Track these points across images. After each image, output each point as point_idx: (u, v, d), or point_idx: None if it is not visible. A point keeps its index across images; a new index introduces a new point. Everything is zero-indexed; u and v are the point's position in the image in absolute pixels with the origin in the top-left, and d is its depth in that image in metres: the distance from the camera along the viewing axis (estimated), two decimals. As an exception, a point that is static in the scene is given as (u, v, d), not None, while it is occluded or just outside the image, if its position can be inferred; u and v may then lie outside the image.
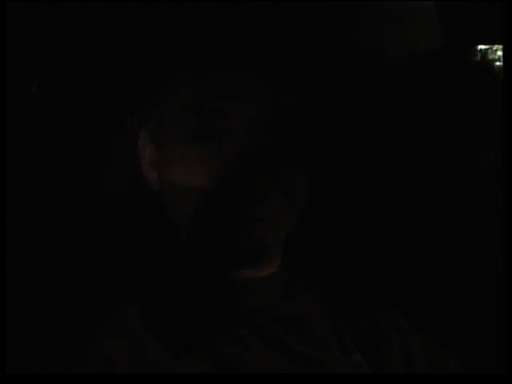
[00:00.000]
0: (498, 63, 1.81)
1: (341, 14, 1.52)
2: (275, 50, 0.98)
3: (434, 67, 1.71)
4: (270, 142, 0.93)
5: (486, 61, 1.84)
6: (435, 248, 1.45)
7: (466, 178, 1.51)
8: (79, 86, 1.29)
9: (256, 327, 0.95)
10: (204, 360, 0.90)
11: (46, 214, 1.31)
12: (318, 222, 1.13)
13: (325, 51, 1.22)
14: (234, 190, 0.91)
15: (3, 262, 0.97)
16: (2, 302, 0.89)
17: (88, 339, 0.87)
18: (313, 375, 0.95)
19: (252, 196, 0.92)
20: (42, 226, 1.29)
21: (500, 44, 1.79)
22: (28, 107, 1.29)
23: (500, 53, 1.81)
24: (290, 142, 0.95)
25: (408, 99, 1.60)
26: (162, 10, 1.20)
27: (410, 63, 1.69)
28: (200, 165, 0.92)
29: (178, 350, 0.89)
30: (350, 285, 1.11)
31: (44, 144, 1.31)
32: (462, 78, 1.59)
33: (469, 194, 1.50)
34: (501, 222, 1.41)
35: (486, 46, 1.85)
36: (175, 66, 0.98)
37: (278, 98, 0.94)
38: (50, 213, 1.32)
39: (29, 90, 1.27)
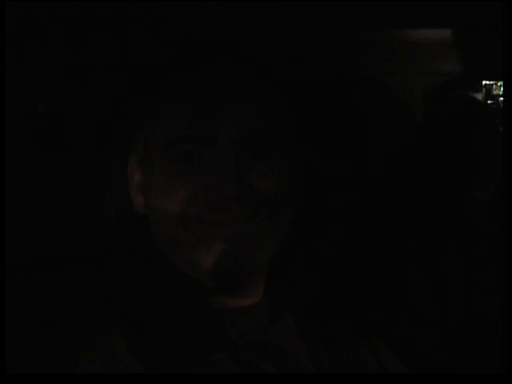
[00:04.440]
0: (502, 98, 1.79)
1: (340, 41, 1.51)
2: (262, 76, 0.99)
3: (437, 102, 1.70)
4: (255, 166, 0.93)
5: (490, 96, 1.83)
6: (425, 274, 1.43)
7: (461, 208, 1.50)
8: (82, 106, 1.29)
9: (235, 353, 0.94)
10: None
11: (37, 233, 1.31)
12: (303, 250, 1.11)
13: (318, 78, 1.21)
14: (215, 216, 0.92)
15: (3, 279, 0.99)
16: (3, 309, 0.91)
17: (69, 357, 0.87)
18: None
19: (233, 222, 0.92)
20: (32, 246, 1.29)
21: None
22: (33, 126, 1.29)
23: (504, 88, 1.80)
24: (274, 164, 0.95)
25: (408, 130, 1.59)
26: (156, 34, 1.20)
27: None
28: (184, 191, 0.93)
29: (154, 372, 0.89)
30: (334, 313, 1.09)
31: (40, 164, 1.32)
32: (462, 113, 1.59)
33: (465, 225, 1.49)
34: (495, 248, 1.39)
35: (491, 82, 1.84)
36: (163, 92, 0.98)
37: (264, 123, 0.95)
38: (42, 232, 1.31)
39: (35, 110, 1.27)
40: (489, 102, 1.83)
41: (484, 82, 1.85)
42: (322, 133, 1.13)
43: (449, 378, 1.05)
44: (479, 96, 1.82)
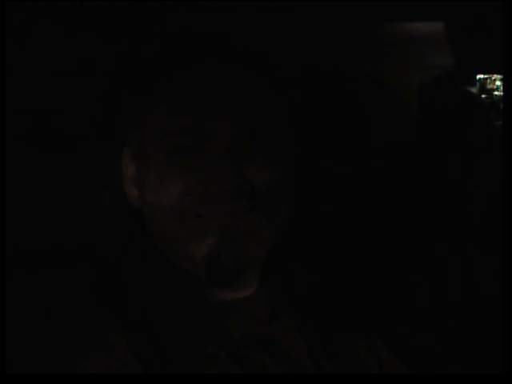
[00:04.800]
0: (496, 93, 1.80)
1: (337, 39, 1.51)
2: (259, 73, 0.99)
3: (432, 96, 1.70)
4: (253, 161, 0.94)
5: (484, 90, 1.83)
6: (425, 274, 1.43)
7: (461, 207, 1.50)
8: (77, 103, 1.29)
9: (234, 351, 0.94)
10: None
11: (36, 232, 1.30)
12: (300, 246, 1.12)
13: (318, 77, 1.21)
14: (212, 209, 0.92)
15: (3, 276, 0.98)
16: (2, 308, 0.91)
17: (69, 352, 0.87)
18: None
19: (229, 216, 0.93)
20: (31, 244, 1.28)
21: (499, 73, 1.78)
22: (27, 124, 1.28)
23: (499, 82, 1.80)
24: (272, 160, 0.96)
25: (406, 125, 1.59)
26: (152, 30, 1.20)
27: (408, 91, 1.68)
28: (181, 184, 0.93)
29: (153, 372, 0.89)
30: (334, 313, 1.10)
31: (36, 161, 1.31)
32: (457, 108, 1.59)
33: (462, 223, 1.50)
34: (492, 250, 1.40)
35: (485, 76, 1.83)
36: (161, 86, 0.98)
37: (263, 119, 0.95)
38: (41, 230, 1.31)
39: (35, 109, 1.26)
40: (483, 96, 1.83)
41: (478, 76, 1.84)
42: (321, 132, 1.13)
43: (449, 378, 1.06)
44: (473, 90, 1.81)
